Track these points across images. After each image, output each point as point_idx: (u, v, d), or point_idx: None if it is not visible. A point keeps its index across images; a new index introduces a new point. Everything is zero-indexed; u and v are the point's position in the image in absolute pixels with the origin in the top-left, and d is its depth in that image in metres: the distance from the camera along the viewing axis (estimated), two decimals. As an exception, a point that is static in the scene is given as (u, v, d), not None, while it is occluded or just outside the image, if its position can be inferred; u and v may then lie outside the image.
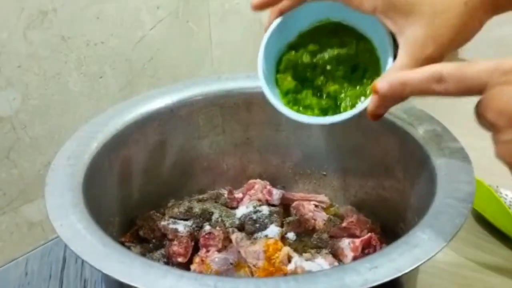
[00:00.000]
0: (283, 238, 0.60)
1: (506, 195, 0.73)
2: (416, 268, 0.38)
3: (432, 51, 0.41)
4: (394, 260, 0.37)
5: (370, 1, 0.43)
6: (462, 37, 0.41)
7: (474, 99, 0.35)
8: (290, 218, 0.63)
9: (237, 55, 0.97)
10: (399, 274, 0.36)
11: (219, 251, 0.57)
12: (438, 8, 0.40)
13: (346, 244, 0.57)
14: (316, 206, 0.66)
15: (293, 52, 0.49)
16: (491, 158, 0.34)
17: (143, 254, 0.58)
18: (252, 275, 0.52)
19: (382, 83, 0.39)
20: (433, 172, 0.48)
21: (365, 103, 0.43)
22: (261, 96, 0.66)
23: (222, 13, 0.91)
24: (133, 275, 0.37)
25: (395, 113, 0.58)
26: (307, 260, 0.56)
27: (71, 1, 0.69)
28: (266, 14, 0.49)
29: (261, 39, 0.49)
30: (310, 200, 0.66)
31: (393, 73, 0.40)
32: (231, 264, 0.53)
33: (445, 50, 0.41)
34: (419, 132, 0.54)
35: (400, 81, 0.38)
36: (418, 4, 0.41)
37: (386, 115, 0.57)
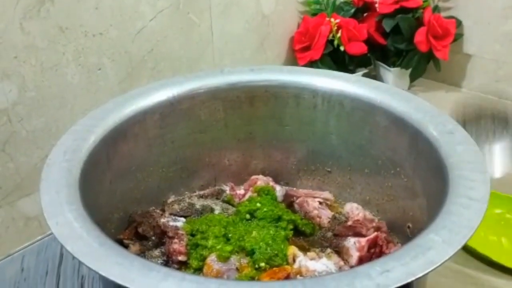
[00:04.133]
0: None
1: None
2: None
3: None
4: (406, 264, 0.36)
5: None
6: None
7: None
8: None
9: (239, 48, 0.95)
10: (413, 279, 0.34)
11: (220, 249, 0.56)
12: None
13: (351, 243, 0.55)
14: (320, 203, 0.64)
15: None
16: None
17: (142, 252, 0.57)
18: (255, 276, 0.51)
19: None
20: (445, 170, 0.47)
21: None
22: (264, 90, 0.65)
23: (224, 5, 0.89)
24: (132, 278, 0.35)
25: (405, 109, 0.56)
26: (311, 259, 0.54)
27: (69, -10, 0.67)
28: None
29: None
30: (314, 197, 0.65)
31: None
32: (234, 265, 0.51)
33: None
34: (430, 129, 0.52)
35: None
36: None
37: (396, 111, 0.56)
